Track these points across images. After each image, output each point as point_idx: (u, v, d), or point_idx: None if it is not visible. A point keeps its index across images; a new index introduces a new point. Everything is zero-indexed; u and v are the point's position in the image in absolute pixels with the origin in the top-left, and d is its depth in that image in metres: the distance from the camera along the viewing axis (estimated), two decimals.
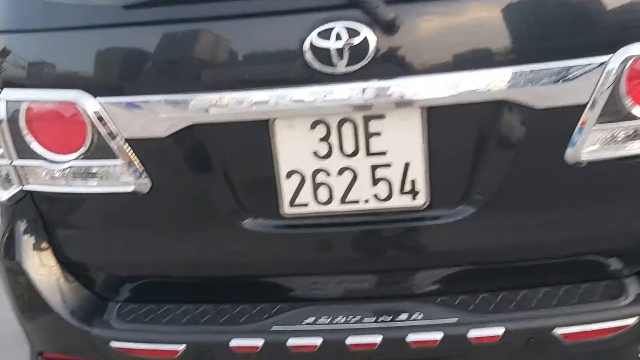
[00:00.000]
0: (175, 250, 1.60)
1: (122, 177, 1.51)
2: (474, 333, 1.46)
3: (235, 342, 1.51)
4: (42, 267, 1.65)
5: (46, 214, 1.63)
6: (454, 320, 1.49)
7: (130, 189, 1.50)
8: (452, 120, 1.41)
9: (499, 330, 1.45)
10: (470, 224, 1.47)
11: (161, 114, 1.41)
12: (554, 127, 1.38)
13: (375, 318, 1.53)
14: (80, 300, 1.67)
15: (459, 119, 1.40)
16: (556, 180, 1.44)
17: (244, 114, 1.40)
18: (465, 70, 1.33)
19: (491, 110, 1.37)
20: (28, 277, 1.62)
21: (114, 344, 1.57)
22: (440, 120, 1.40)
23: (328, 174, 1.46)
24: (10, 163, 1.55)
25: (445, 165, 1.45)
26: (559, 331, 1.45)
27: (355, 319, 1.53)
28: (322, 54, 1.32)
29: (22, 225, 1.65)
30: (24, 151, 1.52)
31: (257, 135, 1.44)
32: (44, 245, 1.65)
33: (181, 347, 1.53)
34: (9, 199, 1.62)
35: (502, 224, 1.50)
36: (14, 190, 1.60)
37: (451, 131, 1.43)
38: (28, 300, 1.67)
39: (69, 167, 1.51)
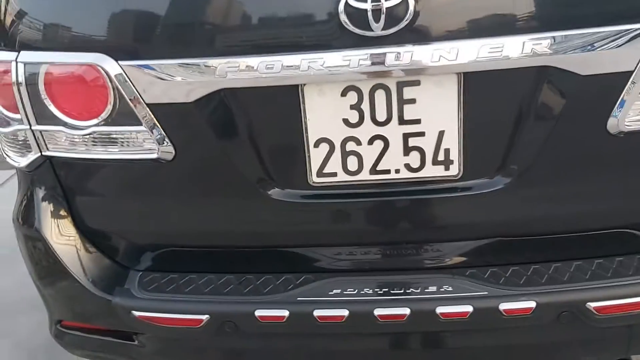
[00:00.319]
0: (199, 219, 1.56)
1: (144, 144, 1.46)
2: (505, 306, 1.43)
3: (260, 312, 1.48)
4: (61, 235, 1.61)
5: (65, 181, 1.59)
6: (485, 293, 1.46)
7: (153, 156, 1.46)
8: (490, 88, 1.35)
9: (530, 304, 1.42)
10: (504, 195, 1.43)
11: (186, 79, 1.36)
12: (598, 95, 1.32)
13: (403, 290, 1.49)
14: (100, 268, 1.64)
15: (498, 86, 1.35)
16: (596, 151, 1.40)
17: (273, 79, 1.34)
18: (507, 34, 1.28)
19: (533, 76, 1.32)
20: (47, 244, 1.59)
21: (136, 313, 1.54)
22: (477, 87, 1.35)
23: (358, 143, 1.42)
24: (29, 128, 1.50)
25: (481, 134, 1.40)
26: (592, 305, 1.42)
27: (383, 291, 1.50)
28: (358, 16, 1.26)
29: (40, 192, 1.62)
30: (43, 116, 1.47)
31: (286, 102, 1.39)
32: (63, 212, 1.61)
33: (205, 317, 1.51)
34: (28, 165, 1.57)
35: (537, 196, 1.46)
36: (32, 156, 1.55)
37: (488, 99, 1.37)
38: (47, 268, 1.64)
39: (90, 133, 1.46)
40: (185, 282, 1.60)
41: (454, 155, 1.41)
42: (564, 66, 1.28)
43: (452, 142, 1.40)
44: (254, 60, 1.33)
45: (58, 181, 1.59)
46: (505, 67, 1.30)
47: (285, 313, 1.47)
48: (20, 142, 1.55)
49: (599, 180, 1.45)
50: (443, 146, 1.41)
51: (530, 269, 1.51)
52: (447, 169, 1.43)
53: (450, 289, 1.48)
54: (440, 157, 1.42)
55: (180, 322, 1.53)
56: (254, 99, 1.40)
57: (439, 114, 1.38)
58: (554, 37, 1.26)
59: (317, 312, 1.46)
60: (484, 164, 1.44)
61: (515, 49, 1.27)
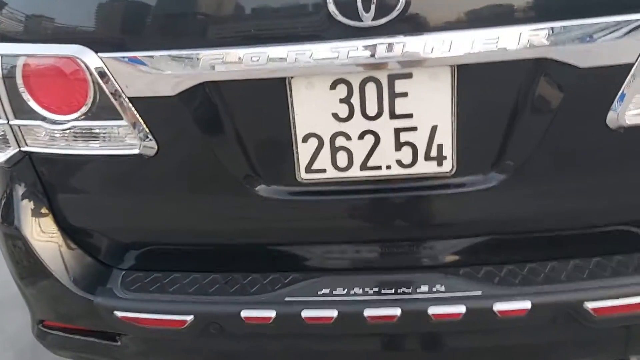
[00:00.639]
0: (183, 216, 1.51)
1: (126, 139, 1.41)
2: (499, 306, 1.38)
3: (246, 313, 1.43)
4: (42, 233, 1.56)
5: (46, 177, 1.53)
6: (478, 292, 1.41)
7: (135, 151, 1.40)
8: (485, 81, 1.30)
9: (526, 304, 1.37)
10: (499, 192, 1.38)
11: (168, 71, 1.30)
12: (597, 88, 1.27)
13: (394, 290, 1.44)
14: (82, 267, 1.59)
15: (493, 79, 1.30)
16: (594, 146, 1.35)
17: (259, 72, 1.28)
18: (503, 25, 1.22)
19: (529, 69, 1.26)
20: (27, 242, 1.54)
21: (119, 314, 1.49)
22: (472, 80, 1.29)
23: (348, 138, 1.36)
24: (7, 122, 1.44)
25: (475, 129, 1.35)
26: (589, 305, 1.37)
27: (373, 291, 1.45)
28: (347, 6, 1.21)
29: (20, 189, 1.56)
30: (21, 110, 1.42)
31: (273, 95, 1.34)
32: (44, 210, 1.56)
33: (189, 318, 1.46)
34: (7, 161, 1.51)
35: (533, 192, 1.41)
36: (11, 151, 1.49)
37: (483, 92, 1.32)
38: (27, 267, 1.59)
39: (70, 128, 1.41)
40: (170, 282, 1.55)
41: (447, 150, 1.36)
42: (562, 58, 1.23)
43: (445, 138, 1.35)
44: (238, 52, 1.27)
45: (38, 178, 1.53)
46: (501, 59, 1.25)
47: (272, 314, 1.42)
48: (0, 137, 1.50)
49: (598, 176, 1.40)
50: (436, 141, 1.35)
51: (526, 268, 1.46)
52: (440, 164, 1.38)
53: (442, 288, 1.43)
54: (433, 152, 1.37)
55: (164, 323, 1.48)
56: (239, 93, 1.35)
57: (432, 108, 1.33)
58: (551, 28, 1.21)
59: (305, 313, 1.42)
60: (479, 159, 1.39)
61: (511, 41, 1.22)
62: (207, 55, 1.28)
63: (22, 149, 1.48)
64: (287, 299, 1.45)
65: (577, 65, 1.23)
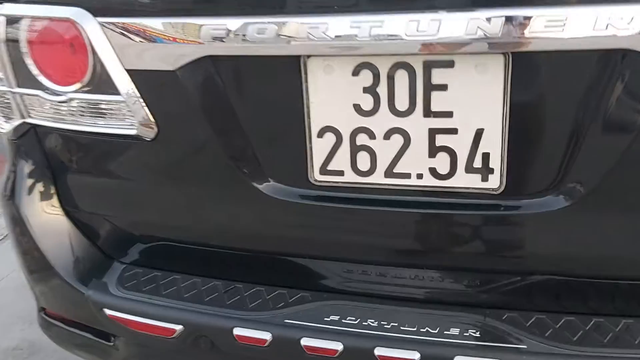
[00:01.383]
0: (184, 210, 1.33)
1: (125, 118, 1.25)
2: None
3: (239, 331, 1.23)
4: (41, 212, 1.44)
5: (49, 153, 1.41)
6: (522, 346, 1.11)
7: (133, 132, 1.24)
8: (548, 75, 1.01)
9: None
10: (560, 221, 1.09)
11: (169, 41, 1.12)
12: None
13: (416, 327, 1.18)
14: (80, 254, 1.45)
15: (559, 73, 1.00)
16: None
17: (269, 47, 1.08)
18: (574, 4, 0.93)
19: (607, 63, 0.96)
20: (24, 220, 1.43)
21: (108, 312, 1.34)
22: (531, 74, 1.01)
23: (372, 136, 1.12)
24: (10, 90, 1.34)
25: (533, 138, 1.06)
26: None
27: (390, 325, 1.19)
28: None
29: (24, 165, 1.44)
30: (23, 77, 1.31)
31: (285, 78, 1.13)
32: (44, 188, 1.43)
33: (178, 328, 1.27)
34: (14, 131, 1.41)
35: (606, 226, 1.09)
36: (16, 122, 1.38)
37: (545, 90, 1.03)
38: (25, 249, 1.47)
39: (69, 100, 1.27)
40: (167, 283, 1.38)
41: (495, 162, 1.08)
42: None
43: (494, 145, 1.07)
44: (246, 22, 1.07)
45: (43, 153, 1.41)
46: (569, 48, 0.96)
47: (268, 336, 1.21)
48: (5, 105, 1.39)
49: None
50: (481, 149, 1.08)
51: (590, 322, 1.14)
52: (484, 179, 1.10)
53: (477, 334, 1.15)
54: (477, 163, 1.09)
55: (152, 329, 1.31)
56: (246, 72, 1.15)
57: (478, 106, 1.05)
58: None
59: (305, 341, 1.18)
60: (536, 177, 1.09)
61: (584, 25, 0.92)
62: (209, 25, 1.09)
63: (25, 120, 1.36)
64: (287, 321, 1.22)
65: None
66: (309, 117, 1.14)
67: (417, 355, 1.13)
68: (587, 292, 1.18)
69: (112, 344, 1.45)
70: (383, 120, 1.10)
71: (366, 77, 1.08)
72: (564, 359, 1.09)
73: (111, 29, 1.17)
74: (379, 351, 1.15)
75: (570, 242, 1.11)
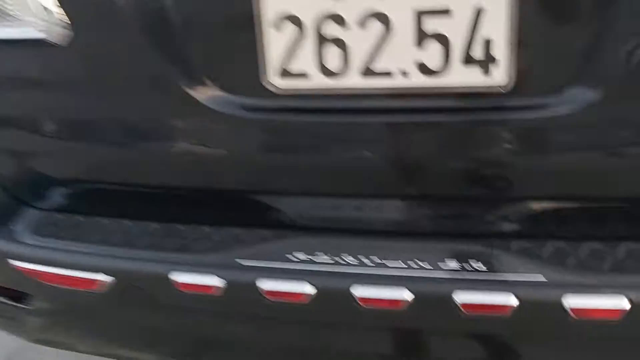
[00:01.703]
0: (112, 137, 1.08)
1: (26, 16, 0.99)
2: (573, 302, 0.89)
3: (180, 277, 1.00)
4: None
5: None
6: (539, 277, 0.93)
7: (40, 35, 0.99)
8: None
9: (618, 301, 0.89)
10: (581, 122, 0.89)
11: None
12: None
13: (403, 262, 0.97)
14: None
15: None
16: None
17: None
18: None
19: None
20: None
21: (13, 262, 1.10)
22: None
23: (343, 24, 0.88)
24: None
25: (547, 18, 0.85)
26: None
27: (371, 261, 0.98)
28: None
29: None
30: None
31: None
32: None
33: (102, 277, 1.04)
34: None
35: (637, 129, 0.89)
36: None
37: None
38: None
39: None
40: (94, 228, 1.14)
41: (500, 51, 0.86)
42: None
43: (497, 29, 0.85)
44: None
45: None
46: None
47: (217, 281, 0.98)
48: None
49: None
50: (481, 35, 0.86)
51: (620, 249, 0.95)
52: (487, 73, 0.88)
53: (481, 266, 0.95)
54: (477, 53, 0.87)
55: (71, 281, 1.07)
56: None
57: None
58: None
59: (264, 284, 0.96)
60: (551, 69, 0.88)
61: None
62: None
63: None
64: (242, 262, 1.00)
65: None
66: (260, 3, 0.88)
67: (407, 293, 0.93)
68: (612, 212, 1.00)
69: (25, 306, 1.19)
70: (356, 3, 0.86)
71: None
72: (591, 290, 0.90)
73: None
74: (358, 292, 0.95)
75: (591, 150, 0.91)
